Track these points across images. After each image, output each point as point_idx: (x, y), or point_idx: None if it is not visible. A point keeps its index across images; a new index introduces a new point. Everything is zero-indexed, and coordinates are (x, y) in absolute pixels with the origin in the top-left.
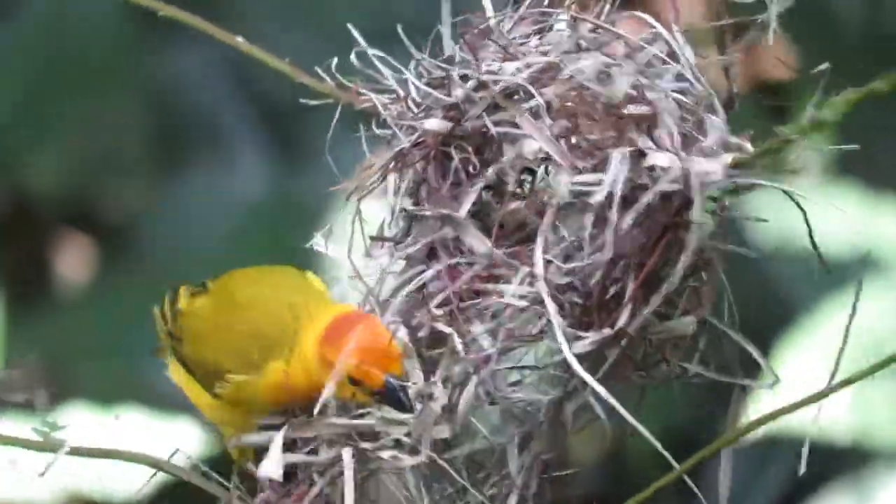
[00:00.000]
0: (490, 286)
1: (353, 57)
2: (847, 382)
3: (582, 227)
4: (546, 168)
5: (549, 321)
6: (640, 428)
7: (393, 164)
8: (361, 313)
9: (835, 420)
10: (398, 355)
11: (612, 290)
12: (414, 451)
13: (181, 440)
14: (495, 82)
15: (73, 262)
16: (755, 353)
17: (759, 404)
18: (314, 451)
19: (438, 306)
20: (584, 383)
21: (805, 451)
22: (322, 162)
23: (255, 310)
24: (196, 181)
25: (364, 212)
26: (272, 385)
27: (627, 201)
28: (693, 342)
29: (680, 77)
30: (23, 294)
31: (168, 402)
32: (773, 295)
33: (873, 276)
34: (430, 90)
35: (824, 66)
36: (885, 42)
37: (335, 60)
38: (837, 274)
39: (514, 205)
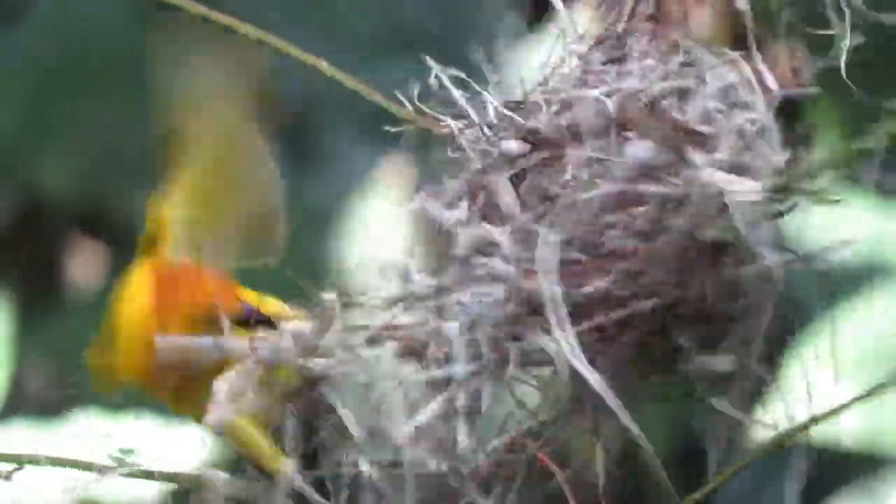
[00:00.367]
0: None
1: (430, 80)
2: (865, 396)
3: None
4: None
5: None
6: (643, 440)
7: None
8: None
9: (845, 426)
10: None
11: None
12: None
13: (193, 445)
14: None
15: (85, 266)
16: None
17: (771, 413)
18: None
19: None
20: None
21: (814, 457)
22: (333, 167)
23: None
24: None
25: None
26: None
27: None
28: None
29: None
30: (34, 298)
31: None
32: (785, 301)
33: (886, 283)
34: (509, 113)
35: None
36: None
37: (417, 88)
38: (850, 281)
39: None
